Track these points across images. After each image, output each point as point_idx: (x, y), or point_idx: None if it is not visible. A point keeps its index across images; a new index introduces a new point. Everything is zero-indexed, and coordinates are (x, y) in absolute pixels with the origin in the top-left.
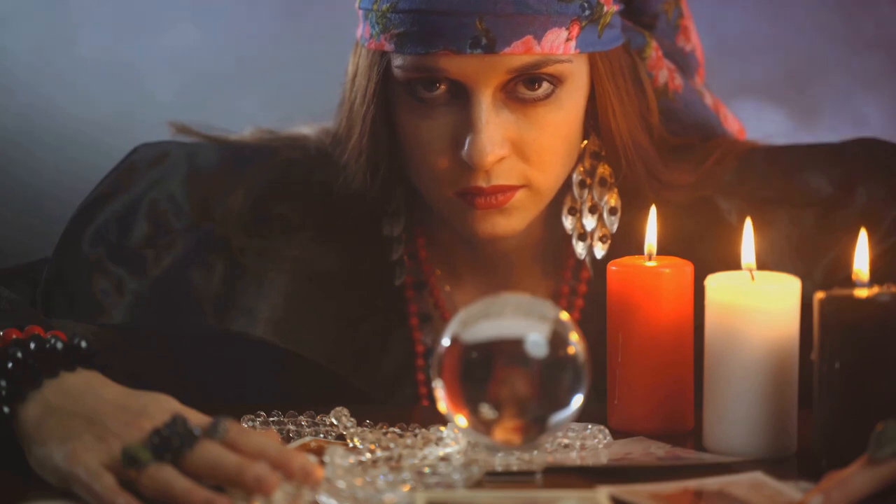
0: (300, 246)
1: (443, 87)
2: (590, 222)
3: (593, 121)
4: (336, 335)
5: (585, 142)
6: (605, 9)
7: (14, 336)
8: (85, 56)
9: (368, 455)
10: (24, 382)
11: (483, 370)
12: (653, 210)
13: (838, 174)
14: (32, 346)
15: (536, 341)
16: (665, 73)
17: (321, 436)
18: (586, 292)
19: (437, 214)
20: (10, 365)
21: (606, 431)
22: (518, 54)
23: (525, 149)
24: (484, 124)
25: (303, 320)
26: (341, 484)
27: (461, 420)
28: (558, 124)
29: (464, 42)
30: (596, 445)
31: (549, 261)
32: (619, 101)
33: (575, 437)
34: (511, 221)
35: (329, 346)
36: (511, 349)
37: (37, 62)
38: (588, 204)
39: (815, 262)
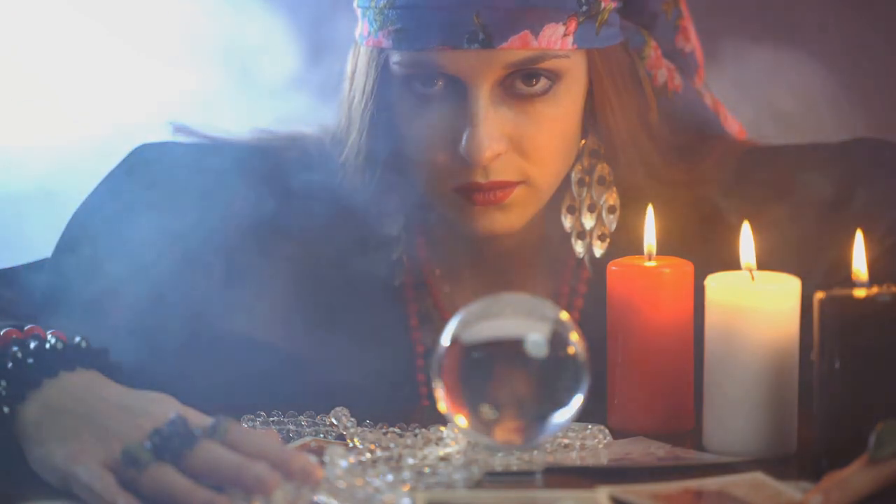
0: (300, 246)
1: (440, 82)
2: (588, 221)
3: (592, 119)
4: (336, 335)
5: (584, 140)
6: (603, 5)
7: (14, 336)
8: None
9: (368, 455)
10: (24, 382)
11: (483, 370)
12: (650, 210)
13: (838, 174)
14: (32, 346)
15: (536, 341)
16: (664, 72)
17: (321, 436)
18: (586, 292)
19: (436, 213)
20: (10, 365)
21: (606, 431)
22: (515, 49)
23: (523, 144)
24: (481, 119)
25: (302, 320)
26: (341, 484)
27: (461, 420)
28: (556, 120)
29: (461, 37)
30: (596, 445)
31: (548, 261)
32: (618, 98)
33: (575, 437)
34: (510, 218)
35: (329, 346)
36: (511, 349)
37: None
38: (587, 202)
39: (815, 262)
